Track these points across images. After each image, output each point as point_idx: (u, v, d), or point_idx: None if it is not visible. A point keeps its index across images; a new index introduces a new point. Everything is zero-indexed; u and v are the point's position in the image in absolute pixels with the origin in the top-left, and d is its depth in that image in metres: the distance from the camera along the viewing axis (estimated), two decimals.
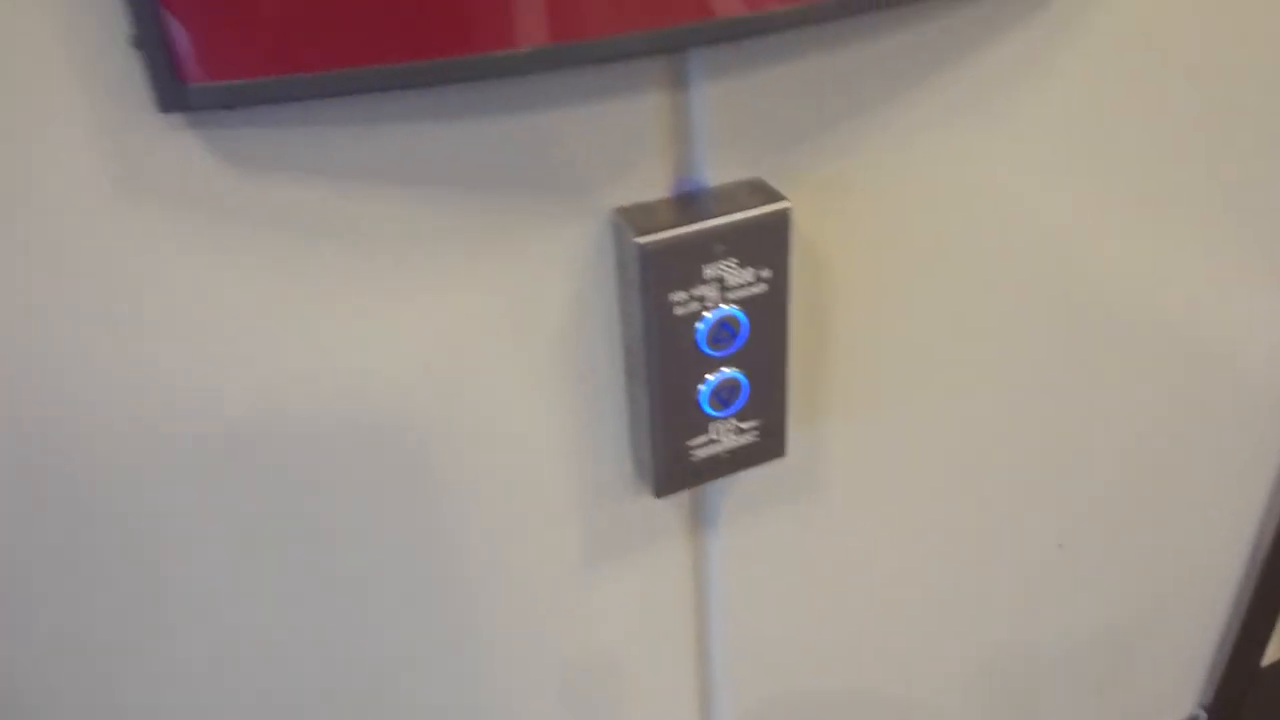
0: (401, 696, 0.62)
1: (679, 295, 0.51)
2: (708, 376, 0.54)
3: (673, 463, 0.57)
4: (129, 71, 0.40)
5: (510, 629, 0.63)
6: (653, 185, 0.52)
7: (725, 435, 0.57)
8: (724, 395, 0.55)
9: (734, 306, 0.53)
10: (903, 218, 0.60)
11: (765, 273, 0.53)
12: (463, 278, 0.50)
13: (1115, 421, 0.80)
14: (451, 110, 0.46)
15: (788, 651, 0.75)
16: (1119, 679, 1.04)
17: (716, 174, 0.53)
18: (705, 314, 0.52)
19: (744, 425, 0.57)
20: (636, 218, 0.50)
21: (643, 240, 0.49)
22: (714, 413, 0.56)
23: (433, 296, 0.50)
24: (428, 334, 0.51)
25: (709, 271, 0.51)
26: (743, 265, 0.52)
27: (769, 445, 0.59)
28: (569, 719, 0.69)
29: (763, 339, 0.55)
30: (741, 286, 0.52)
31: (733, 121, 0.52)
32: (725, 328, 0.53)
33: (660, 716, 0.73)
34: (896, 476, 0.71)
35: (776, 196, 0.52)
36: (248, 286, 0.46)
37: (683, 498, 0.64)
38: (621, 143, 0.50)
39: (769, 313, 0.54)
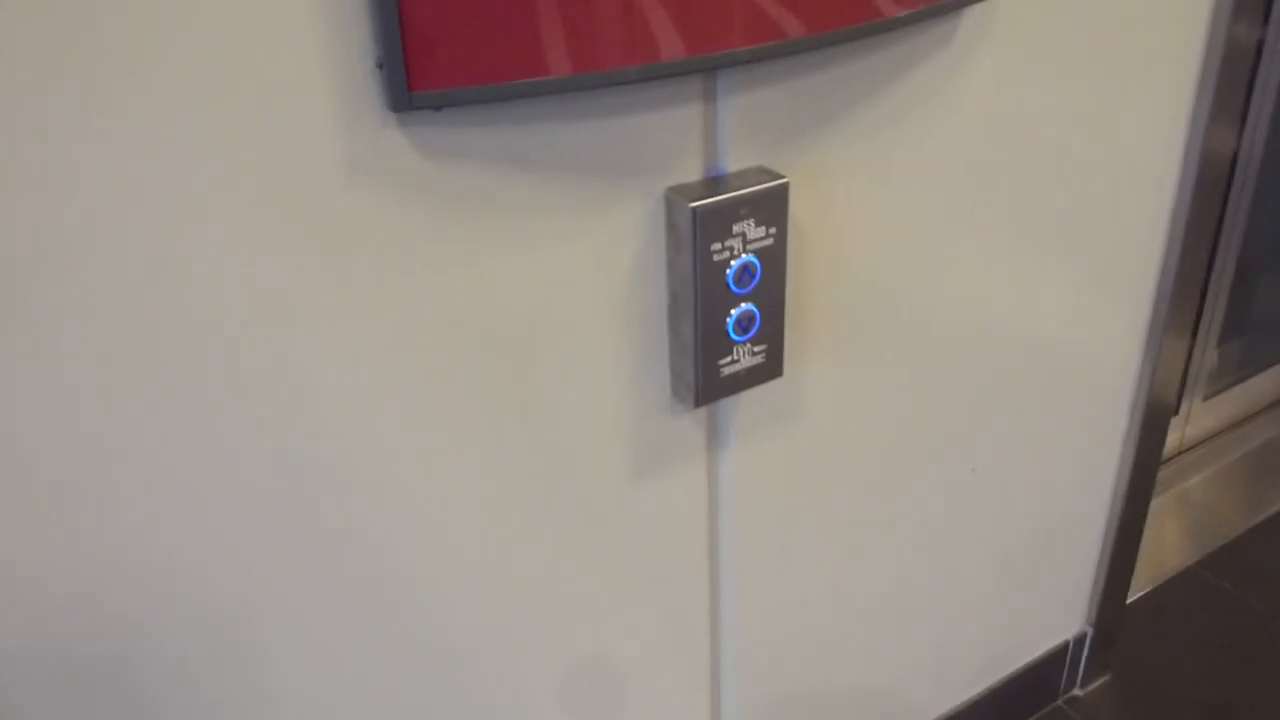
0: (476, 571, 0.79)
1: (716, 245, 0.72)
2: (732, 310, 0.75)
3: (708, 379, 0.77)
4: (366, 85, 0.59)
5: (564, 524, 0.81)
6: (690, 172, 0.73)
7: (744, 356, 0.78)
8: (744, 324, 0.76)
9: (751, 254, 0.74)
10: (854, 197, 0.82)
11: (772, 229, 0.74)
12: (564, 238, 0.70)
13: (1007, 382, 1.04)
14: (562, 115, 0.66)
15: (781, 540, 0.95)
16: (1019, 597, 1.27)
17: (733, 163, 0.74)
18: (733, 261, 0.73)
19: (756, 349, 0.78)
20: (685, 192, 0.71)
21: (695, 204, 0.70)
22: (737, 338, 0.76)
23: (546, 251, 0.69)
24: (540, 278, 0.70)
25: (736, 228, 0.72)
26: (757, 224, 0.73)
27: (772, 366, 0.80)
28: (603, 605, 0.87)
29: (770, 279, 0.76)
30: (757, 240, 0.74)
31: (744, 126, 0.73)
32: (746, 270, 0.74)
33: (677, 600, 0.92)
34: (856, 400, 0.93)
35: (778, 176, 0.74)
36: (423, 240, 0.65)
37: (702, 417, 0.84)
38: (671, 141, 0.71)
39: (774, 259, 0.75)
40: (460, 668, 0.81)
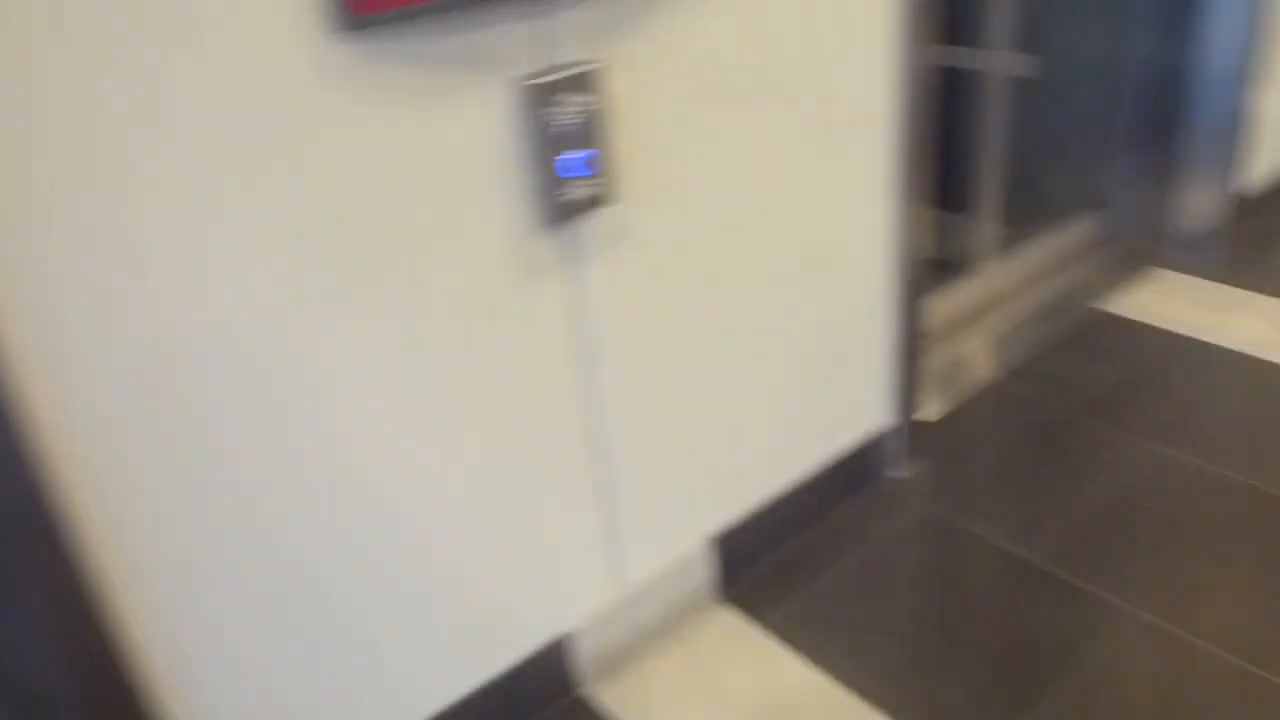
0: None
1: (547, 110, 1.14)
2: (562, 154, 1.17)
3: (553, 206, 1.19)
4: (312, 9, 0.99)
5: (443, 326, 1.23)
6: (539, 64, 1.14)
7: (576, 190, 1.19)
8: (572, 165, 1.18)
9: (576, 116, 1.16)
10: (664, 76, 1.24)
11: (591, 99, 1.16)
12: (450, 112, 1.11)
13: (785, 232, 1.47)
14: (448, 30, 1.07)
15: (644, 339, 1.38)
16: (825, 393, 1.71)
17: (566, 57, 1.16)
18: (560, 120, 1.15)
19: (588, 184, 1.20)
20: (527, 76, 1.13)
21: (527, 83, 1.12)
22: (567, 175, 1.18)
23: (437, 122, 1.10)
24: (433, 140, 1.11)
25: (562, 98, 1.14)
26: (580, 95, 1.15)
27: (603, 197, 1.22)
28: (485, 396, 1.29)
29: (593, 133, 1.18)
30: (579, 106, 1.15)
31: (576, 32, 1.15)
32: (572, 128, 1.16)
33: (549, 373, 1.34)
34: (680, 228, 1.35)
35: (594, 61, 1.16)
36: (354, 114, 1.06)
37: (562, 240, 1.25)
38: (524, 45, 1.12)
39: (595, 120, 1.17)
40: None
